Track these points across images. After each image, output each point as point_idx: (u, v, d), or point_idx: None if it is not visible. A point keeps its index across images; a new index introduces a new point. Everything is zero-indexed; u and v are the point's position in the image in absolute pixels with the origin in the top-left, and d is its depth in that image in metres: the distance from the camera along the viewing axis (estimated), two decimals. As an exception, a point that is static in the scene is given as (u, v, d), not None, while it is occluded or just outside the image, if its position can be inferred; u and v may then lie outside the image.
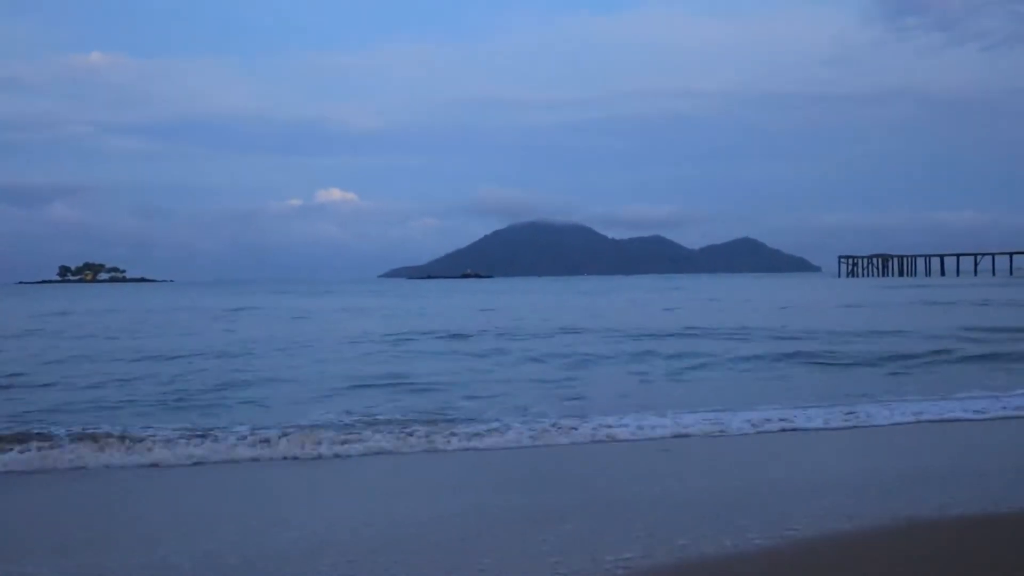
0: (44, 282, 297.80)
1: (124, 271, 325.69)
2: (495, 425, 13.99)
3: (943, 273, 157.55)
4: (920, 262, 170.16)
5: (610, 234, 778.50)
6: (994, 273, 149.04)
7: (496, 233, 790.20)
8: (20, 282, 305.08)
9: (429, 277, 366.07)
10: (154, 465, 11.62)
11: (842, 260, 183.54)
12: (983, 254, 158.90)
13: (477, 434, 13.32)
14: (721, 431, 13.56)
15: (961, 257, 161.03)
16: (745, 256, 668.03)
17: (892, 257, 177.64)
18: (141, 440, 12.77)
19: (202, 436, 13.18)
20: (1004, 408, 15.33)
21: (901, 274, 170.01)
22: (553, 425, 13.95)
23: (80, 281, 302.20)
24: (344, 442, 12.68)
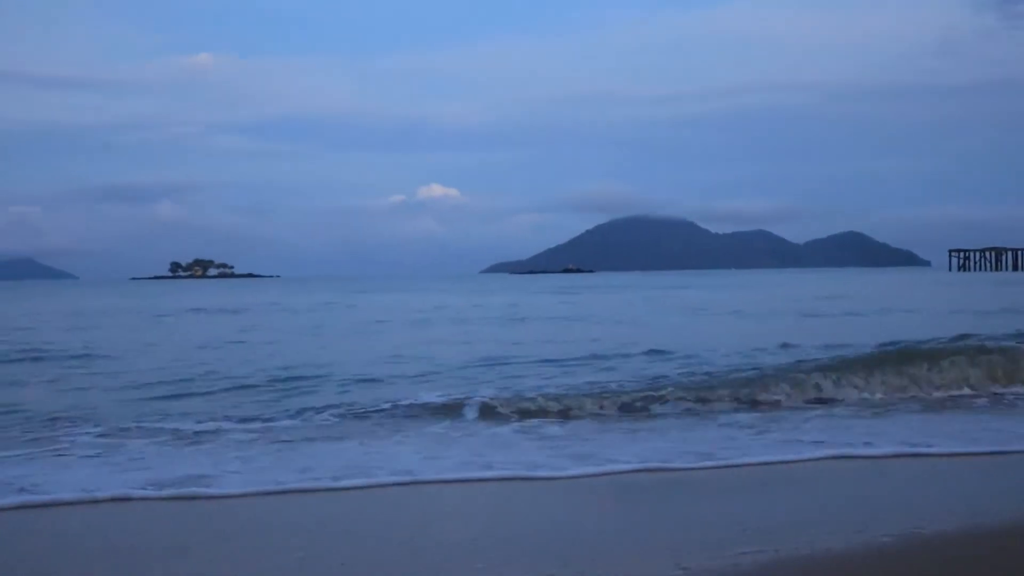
0: (156, 278, 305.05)
1: (232, 267, 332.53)
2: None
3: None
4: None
5: (712, 228, 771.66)
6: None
7: (597, 228, 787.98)
8: (133, 278, 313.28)
9: (531, 272, 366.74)
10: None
11: (953, 254, 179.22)
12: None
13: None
14: None
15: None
16: (851, 250, 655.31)
17: (1006, 250, 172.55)
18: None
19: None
20: None
21: (1015, 268, 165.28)
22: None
23: (190, 277, 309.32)
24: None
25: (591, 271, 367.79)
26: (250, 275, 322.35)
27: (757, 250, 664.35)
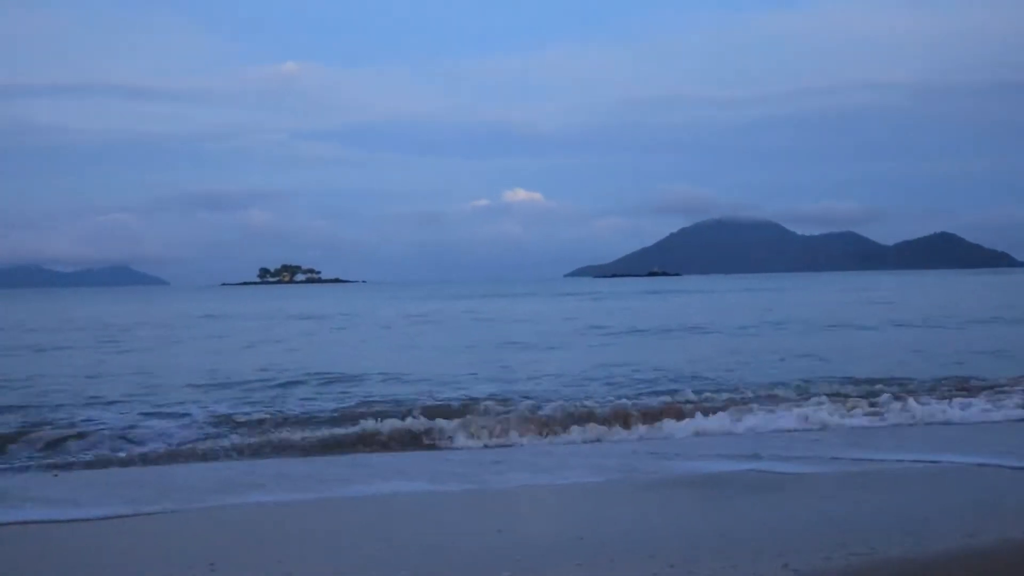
0: (245, 283, 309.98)
1: (319, 272, 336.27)
2: None
3: None
4: None
5: (799, 230, 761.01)
6: None
7: (682, 231, 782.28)
8: (223, 284, 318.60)
9: (614, 276, 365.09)
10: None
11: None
12: None
13: None
14: None
15: None
16: (942, 252, 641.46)
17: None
18: None
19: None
20: None
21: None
22: None
23: (278, 282, 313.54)
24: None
25: (676, 274, 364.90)
26: (336, 280, 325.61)
27: (845, 252, 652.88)
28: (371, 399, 18.38)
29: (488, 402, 16.77)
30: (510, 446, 14.06)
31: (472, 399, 17.52)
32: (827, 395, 17.08)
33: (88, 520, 9.47)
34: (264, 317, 60.16)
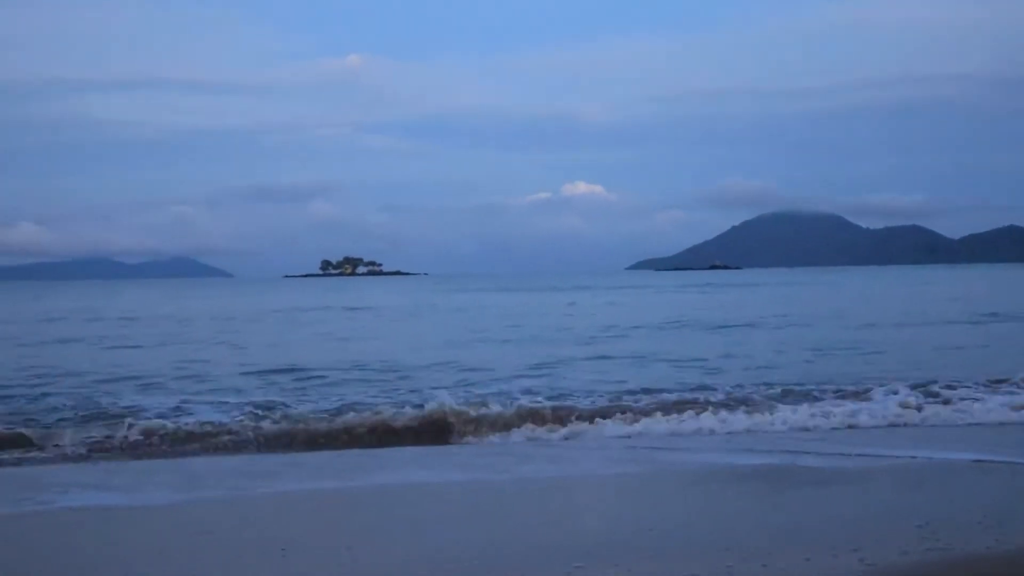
0: (307, 276, 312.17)
1: (381, 265, 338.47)
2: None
3: None
4: None
5: (863, 223, 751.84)
6: None
7: (744, 224, 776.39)
8: (286, 276, 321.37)
9: (676, 269, 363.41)
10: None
11: None
12: None
13: None
14: None
15: None
16: (1011, 245, 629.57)
17: None
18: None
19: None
20: None
21: None
22: None
23: (340, 275, 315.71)
24: None
25: (738, 268, 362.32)
26: (398, 272, 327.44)
27: (910, 245, 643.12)
28: (417, 390, 18.46)
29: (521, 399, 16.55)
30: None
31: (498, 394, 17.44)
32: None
33: (151, 507, 9.58)
34: (352, 308, 60.38)
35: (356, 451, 13.42)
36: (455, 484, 10.58)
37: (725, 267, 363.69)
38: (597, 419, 14.70)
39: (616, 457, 12.05)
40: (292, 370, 22.38)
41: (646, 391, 17.45)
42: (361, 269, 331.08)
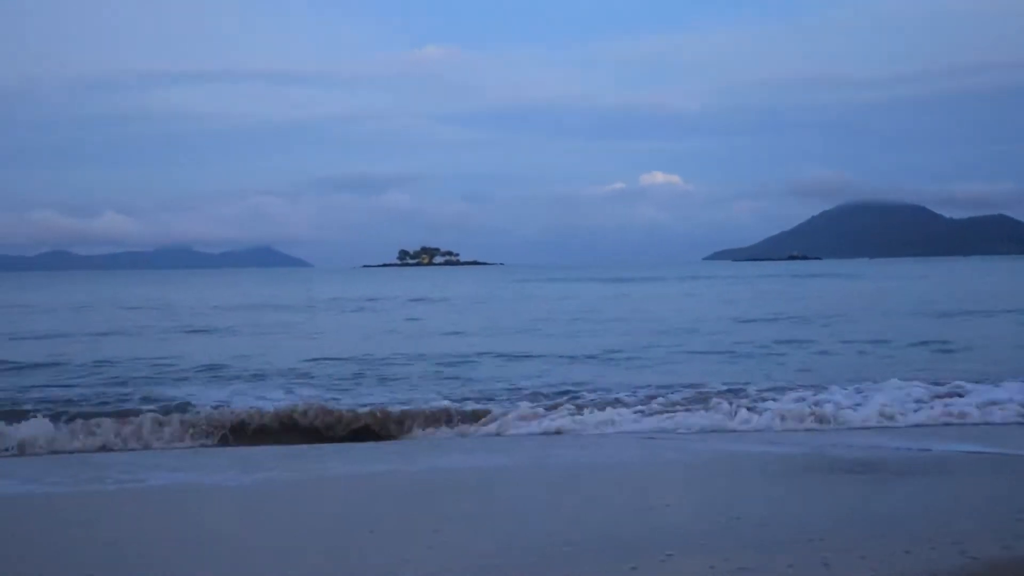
0: (385, 265, 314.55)
1: (457, 254, 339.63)
2: None
3: None
4: None
5: (947, 213, 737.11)
6: None
7: (823, 214, 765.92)
8: (364, 265, 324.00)
9: (753, 260, 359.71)
10: None
11: None
12: None
13: None
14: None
15: None
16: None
17: None
18: None
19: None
20: None
21: None
22: None
23: (418, 264, 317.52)
24: None
25: (817, 258, 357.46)
26: (474, 262, 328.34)
27: (995, 236, 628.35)
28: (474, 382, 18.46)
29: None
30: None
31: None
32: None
33: (232, 488, 9.69)
34: (423, 299, 60.57)
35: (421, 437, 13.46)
36: (528, 468, 10.56)
37: (804, 257, 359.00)
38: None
39: (692, 448, 11.93)
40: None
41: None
42: (438, 259, 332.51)
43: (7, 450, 12.29)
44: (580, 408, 14.49)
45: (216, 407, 14.76)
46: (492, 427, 13.65)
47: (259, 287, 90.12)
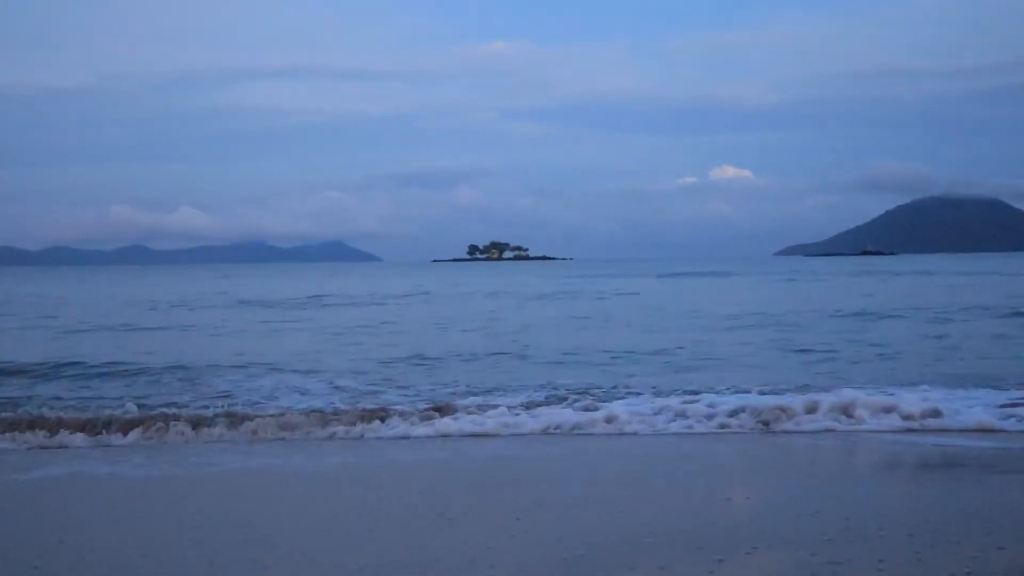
0: (455, 260, 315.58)
1: (527, 250, 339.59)
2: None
3: None
4: None
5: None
6: None
7: (897, 208, 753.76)
8: (434, 260, 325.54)
9: (826, 255, 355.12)
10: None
11: None
12: None
13: None
14: None
15: None
16: None
17: None
18: None
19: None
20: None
21: None
22: None
23: (487, 259, 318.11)
24: None
25: (891, 253, 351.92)
26: (544, 257, 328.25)
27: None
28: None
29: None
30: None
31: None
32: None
33: (309, 475, 9.75)
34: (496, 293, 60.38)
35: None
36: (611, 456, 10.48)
37: (878, 253, 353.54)
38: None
39: (767, 440, 11.75)
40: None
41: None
42: (507, 254, 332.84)
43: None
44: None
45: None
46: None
47: (360, 279, 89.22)
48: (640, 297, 50.61)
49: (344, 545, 7.03)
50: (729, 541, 6.80)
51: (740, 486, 9.20)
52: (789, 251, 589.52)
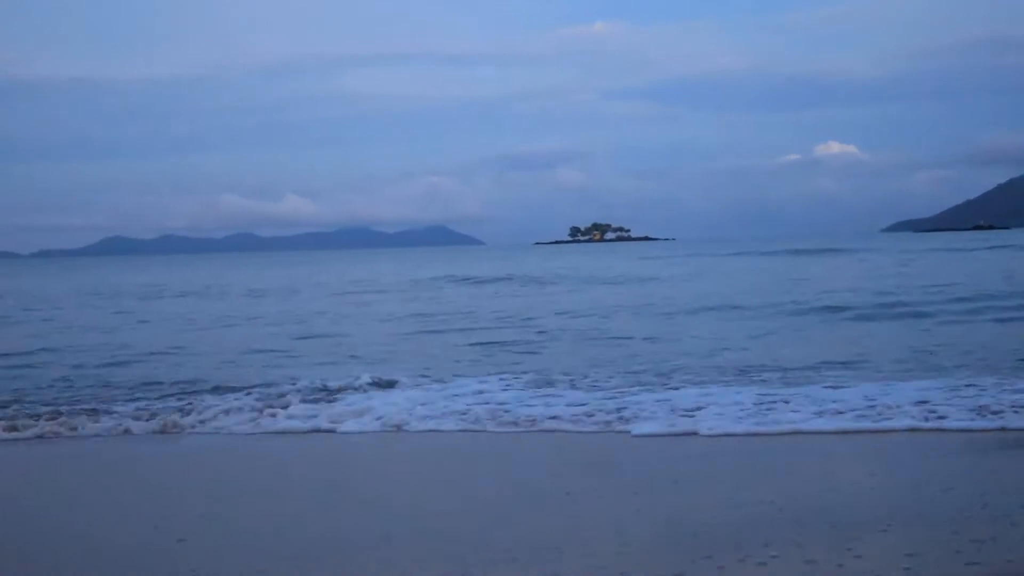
0: (556, 242, 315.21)
1: (629, 230, 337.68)
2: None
3: None
4: None
5: None
6: None
7: (1011, 182, 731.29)
8: (536, 243, 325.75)
9: (936, 231, 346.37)
10: None
11: None
12: None
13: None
14: None
15: None
16: None
17: None
18: None
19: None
20: None
21: None
22: None
23: (589, 241, 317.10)
24: None
25: (1005, 228, 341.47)
26: (646, 238, 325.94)
27: None
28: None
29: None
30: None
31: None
32: None
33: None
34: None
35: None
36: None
37: (991, 227, 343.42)
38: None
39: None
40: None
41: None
42: (609, 235, 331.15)
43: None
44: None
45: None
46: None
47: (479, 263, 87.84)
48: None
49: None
50: (834, 530, 6.52)
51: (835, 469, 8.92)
52: (897, 227, 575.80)
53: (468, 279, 52.93)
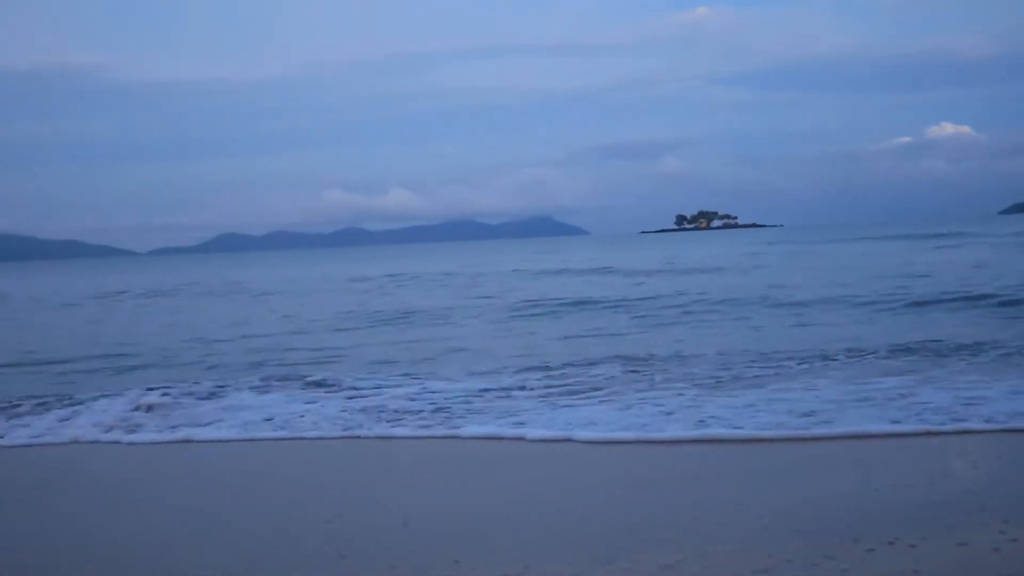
0: (662, 231, 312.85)
1: (736, 217, 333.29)
2: None
3: None
4: None
5: None
6: None
7: None
8: (642, 232, 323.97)
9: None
10: None
11: None
12: None
13: None
14: None
15: None
16: None
17: None
18: None
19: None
20: None
21: None
22: None
23: (695, 229, 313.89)
24: None
25: None
26: (753, 225, 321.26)
27: None
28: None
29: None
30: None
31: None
32: None
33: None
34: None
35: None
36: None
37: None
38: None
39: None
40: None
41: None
42: (716, 223, 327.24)
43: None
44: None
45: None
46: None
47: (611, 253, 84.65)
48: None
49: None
50: (877, 528, 6.43)
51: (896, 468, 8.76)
52: (1015, 209, 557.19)
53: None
